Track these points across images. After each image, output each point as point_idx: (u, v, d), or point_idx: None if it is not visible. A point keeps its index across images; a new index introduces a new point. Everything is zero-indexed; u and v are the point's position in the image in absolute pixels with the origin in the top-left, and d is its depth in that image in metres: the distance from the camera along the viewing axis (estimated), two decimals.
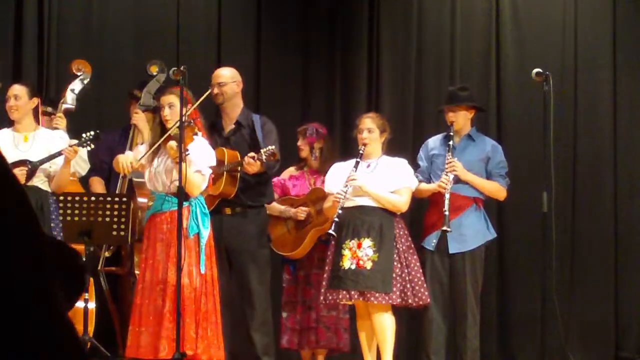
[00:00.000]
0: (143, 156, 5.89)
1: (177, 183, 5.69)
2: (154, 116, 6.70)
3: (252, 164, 6.06)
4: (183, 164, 5.62)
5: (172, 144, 5.65)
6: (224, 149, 6.37)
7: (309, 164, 6.88)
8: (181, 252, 5.59)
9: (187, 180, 5.69)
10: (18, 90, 6.12)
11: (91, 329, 6.38)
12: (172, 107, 5.88)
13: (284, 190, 6.86)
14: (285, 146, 6.67)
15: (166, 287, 5.69)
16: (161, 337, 5.64)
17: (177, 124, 5.70)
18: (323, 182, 6.77)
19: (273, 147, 6.11)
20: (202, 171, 5.81)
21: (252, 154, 6.10)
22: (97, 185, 6.99)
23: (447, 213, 6.24)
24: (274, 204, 6.71)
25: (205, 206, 5.91)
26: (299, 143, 6.84)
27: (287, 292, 6.74)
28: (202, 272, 5.78)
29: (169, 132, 5.78)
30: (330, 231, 6.12)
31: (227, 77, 6.52)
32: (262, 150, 6.06)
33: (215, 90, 6.43)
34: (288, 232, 6.70)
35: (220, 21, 8.13)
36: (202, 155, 5.81)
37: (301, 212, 6.68)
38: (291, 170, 6.90)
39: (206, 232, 5.82)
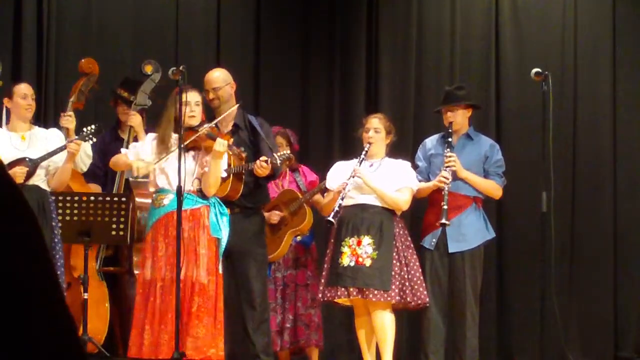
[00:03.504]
0: (171, 152, 5.86)
1: (197, 181, 5.81)
2: (142, 115, 6.73)
3: (264, 168, 6.04)
4: (182, 163, 5.67)
5: (222, 142, 5.69)
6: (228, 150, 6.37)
7: None
8: (180, 251, 5.60)
9: (216, 181, 5.78)
10: (30, 90, 6.17)
11: (105, 327, 6.47)
12: (199, 105, 5.91)
13: None
14: None
15: (193, 287, 5.71)
16: (188, 336, 5.69)
17: (207, 126, 5.80)
18: (290, 183, 6.83)
19: (288, 151, 6.12)
20: (223, 173, 5.86)
21: (264, 157, 6.09)
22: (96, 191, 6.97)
23: (445, 207, 6.25)
24: None
25: (224, 205, 5.94)
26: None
27: None
28: (220, 272, 5.82)
29: (200, 133, 5.79)
30: (330, 218, 6.12)
31: (221, 81, 6.46)
32: (276, 155, 6.03)
33: (211, 95, 6.40)
34: None
35: (219, 21, 8.13)
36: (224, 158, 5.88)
37: (274, 216, 6.71)
38: None
39: (226, 232, 5.85)
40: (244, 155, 5.91)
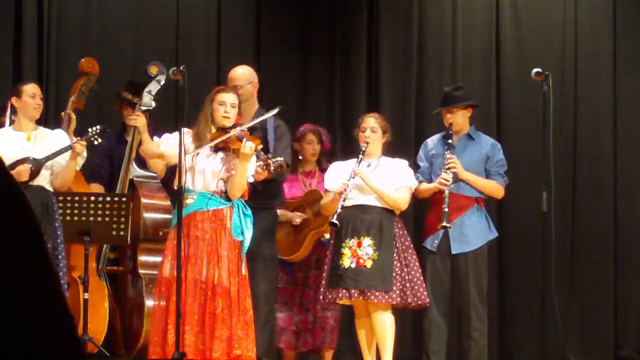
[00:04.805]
0: (197, 152, 5.82)
1: (222, 182, 5.78)
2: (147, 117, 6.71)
3: (260, 173, 6.00)
4: (183, 163, 5.65)
5: (250, 144, 5.65)
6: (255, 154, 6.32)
7: (303, 165, 6.92)
8: (181, 251, 5.59)
9: (242, 185, 5.76)
10: (38, 89, 6.20)
11: (104, 327, 6.46)
12: (234, 108, 5.89)
13: None
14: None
15: (214, 288, 5.69)
16: (214, 338, 5.66)
17: (239, 128, 5.76)
18: (319, 182, 6.80)
19: (282, 159, 5.95)
20: (250, 178, 5.84)
21: (259, 162, 6.05)
22: (97, 191, 6.96)
23: (446, 210, 6.24)
24: None
25: (248, 207, 5.91)
26: (307, 145, 6.87)
27: (283, 293, 6.74)
28: (243, 273, 5.79)
29: (230, 134, 5.77)
30: (333, 220, 6.11)
31: (244, 79, 6.44)
32: (270, 161, 5.95)
33: None
34: (286, 235, 6.69)
35: (219, 21, 8.14)
36: (253, 161, 5.85)
37: (297, 217, 6.70)
38: None
39: (249, 234, 5.83)
40: (270, 162, 5.78)
